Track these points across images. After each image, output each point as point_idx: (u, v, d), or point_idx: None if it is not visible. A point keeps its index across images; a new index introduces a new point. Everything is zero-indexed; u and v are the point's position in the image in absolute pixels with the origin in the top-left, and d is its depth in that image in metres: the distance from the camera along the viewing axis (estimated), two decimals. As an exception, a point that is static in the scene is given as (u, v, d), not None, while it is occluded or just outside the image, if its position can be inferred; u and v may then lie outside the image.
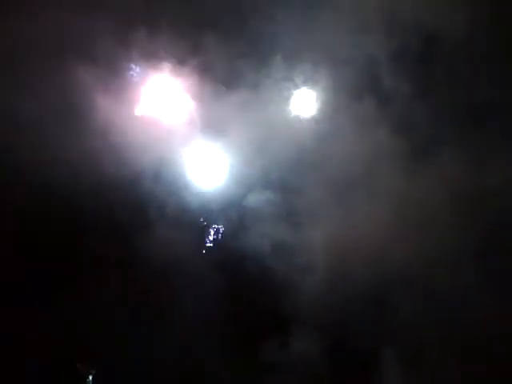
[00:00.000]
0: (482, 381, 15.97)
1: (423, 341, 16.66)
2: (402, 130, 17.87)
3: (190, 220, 18.40)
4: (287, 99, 18.77)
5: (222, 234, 18.76)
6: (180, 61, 18.04)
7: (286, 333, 17.19)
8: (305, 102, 18.81)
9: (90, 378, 16.92)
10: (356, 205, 17.82)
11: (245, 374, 16.96)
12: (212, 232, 18.73)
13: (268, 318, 17.53)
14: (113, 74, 17.84)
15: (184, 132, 18.24)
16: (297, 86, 18.70)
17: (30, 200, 16.95)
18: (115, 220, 17.73)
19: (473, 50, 17.70)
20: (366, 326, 16.92)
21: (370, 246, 17.25)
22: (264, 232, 17.82)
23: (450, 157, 17.56)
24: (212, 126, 18.22)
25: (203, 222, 18.82)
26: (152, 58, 18.03)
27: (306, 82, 18.66)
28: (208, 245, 18.73)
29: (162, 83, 18.42)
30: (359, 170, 17.99)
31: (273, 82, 18.33)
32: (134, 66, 18.23)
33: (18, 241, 17.01)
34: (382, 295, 17.05)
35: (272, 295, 17.60)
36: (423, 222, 17.38)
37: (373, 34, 17.92)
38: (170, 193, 18.08)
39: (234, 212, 18.45)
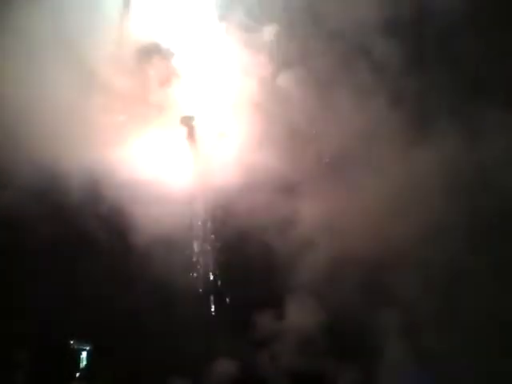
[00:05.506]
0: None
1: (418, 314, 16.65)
2: (398, 102, 17.64)
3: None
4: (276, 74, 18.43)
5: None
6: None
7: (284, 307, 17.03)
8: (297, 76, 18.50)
9: (84, 354, 16.53)
10: (353, 179, 17.64)
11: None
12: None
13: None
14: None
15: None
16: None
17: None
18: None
19: (471, 20, 17.51)
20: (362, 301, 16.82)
21: (366, 220, 17.15)
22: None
23: (446, 131, 17.46)
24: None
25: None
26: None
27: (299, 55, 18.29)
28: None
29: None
30: (355, 144, 17.79)
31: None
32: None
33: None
34: (380, 271, 16.97)
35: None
36: (420, 197, 17.29)
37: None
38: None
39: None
